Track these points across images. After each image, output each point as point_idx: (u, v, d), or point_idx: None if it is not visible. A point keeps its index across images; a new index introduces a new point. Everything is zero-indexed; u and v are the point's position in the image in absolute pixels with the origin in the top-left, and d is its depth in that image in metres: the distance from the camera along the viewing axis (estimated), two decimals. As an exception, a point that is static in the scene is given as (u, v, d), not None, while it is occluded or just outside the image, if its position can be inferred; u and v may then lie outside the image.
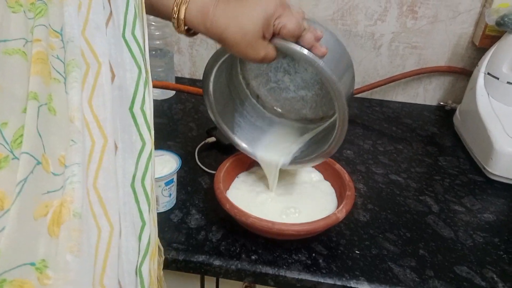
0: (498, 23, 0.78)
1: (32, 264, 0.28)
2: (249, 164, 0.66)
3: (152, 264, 0.37)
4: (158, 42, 0.89)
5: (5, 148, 0.29)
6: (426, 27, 0.90)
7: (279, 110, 0.65)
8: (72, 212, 0.30)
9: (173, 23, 0.47)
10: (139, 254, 0.35)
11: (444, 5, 0.88)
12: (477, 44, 0.88)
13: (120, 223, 0.34)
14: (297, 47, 0.46)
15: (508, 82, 0.76)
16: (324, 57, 0.47)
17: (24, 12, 0.32)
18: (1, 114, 0.30)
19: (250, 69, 0.63)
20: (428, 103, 0.99)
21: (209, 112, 0.61)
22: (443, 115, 0.94)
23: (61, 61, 0.33)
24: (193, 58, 1.00)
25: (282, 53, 0.52)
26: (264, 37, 0.45)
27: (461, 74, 0.92)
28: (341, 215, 0.55)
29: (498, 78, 0.77)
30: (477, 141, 0.77)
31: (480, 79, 0.80)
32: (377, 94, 0.99)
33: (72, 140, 0.31)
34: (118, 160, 0.35)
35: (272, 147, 0.62)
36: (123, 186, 0.36)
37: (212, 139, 0.77)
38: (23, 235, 0.28)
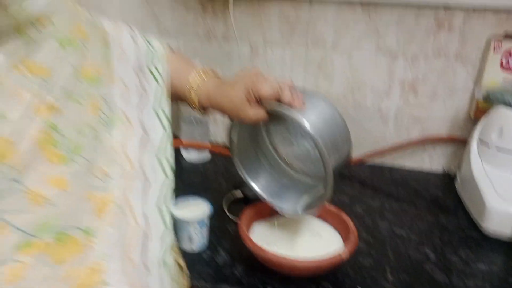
0: (485, 99, 0.91)
1: (80, 228, 0.41)
2: (269, 212, 0.78)
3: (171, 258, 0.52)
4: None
5: (67, 153, 0.43)
6: (426, 102, 1.04)
7: (298, 166, 0.78)
8: (114, 204, 0.44)
9: (190, 104, 0.65)
10: (161, 248, 0.50)
11: (442, 84, 1.02)
12: (472, 116, 1.00)
13: (145, 226, 0.48)
14: (276, 104, 0.59)
15: (497, 148, 0.87)
16: (310, 115, 0.59)
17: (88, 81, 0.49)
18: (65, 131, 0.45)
19: (275, 135, 0.76)
20: (433, 169, 1.09)
21: (238, 169, 0.75)
22: (447, 180, 1.04)
23: (106, 115, 0.49)
24: (225, 126, 1.16)
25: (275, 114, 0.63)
26: (250, 103, 0.59)
27: (461, 142, 1.03)
28: (345, 255, 0.65)
29: (488, 145, 0.88)
30: (473, 201, 0.87)
31: (474, 146, 0.91)
32: (386, 160, 1.11)
33: (115, 161, 0.46)
34: (146, 186, 0.50)
35: (289, 198, 0.74)
36: (151, 204, 0.50)
37: (239, 192, 0.90)
38: (73, 209, 0.41)
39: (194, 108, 0.66)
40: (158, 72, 0.60)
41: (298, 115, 0.59)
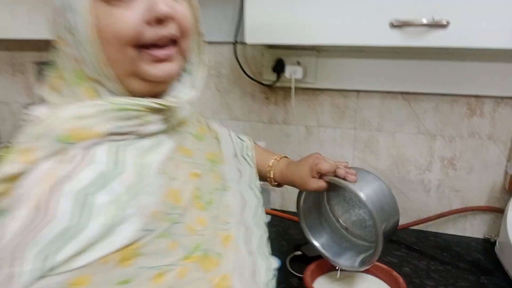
0: (516, 173, 1.04)
1: (214, 251, 0.59)
2: (328, 268, 0.92)
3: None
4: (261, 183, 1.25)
5: (206, 204, 0.61)
6: (464, 176, 1.18)
7: (354, 231, 0.93)
8: (233, 240, 0.63)
9: (268, 181, 0.87)
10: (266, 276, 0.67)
11: (477, 160, 1.16)
12: (506, 188, 1.13)
13: (252, 259, 0.65)
14: (332, 176, 0.78)
15: (530, 217, 0.98)
16: (362, 186, 0.76)
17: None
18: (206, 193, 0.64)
19: (334, 204, 0.93)
20: (475, 236, 1.20)
21: (303, 230, 0.91)
22: (489, 246, 1.15)
23: (223, 184, 0.69)
24: (283, 194, 1.34)
25: (335, 186, 0.81)
26: (313, 177, 0.79)
27: (499, 211, 1.14)
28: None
29: (522, 214, 1.00)
30: (511, 263, 0.97)
31: (510, 215, 1.03)
32: (431, 227, 1.23)
33: (230, 214, 0.65)
34: (249, 233, 0.69)
35: (347, 257, 0.89)
36: (254, 245, 0.69)
37: (299, 252, 1.05)
38: (211, 239, 0.60)
39: (271, 182, 0.87)
40: (250, 158, 0.82)
41: (352, 185, 0.76)
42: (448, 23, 0.84)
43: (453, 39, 0.85)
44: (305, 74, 1.19)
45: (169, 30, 0.55)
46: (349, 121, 1.24)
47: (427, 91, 1.15)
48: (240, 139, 0.86)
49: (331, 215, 0.95)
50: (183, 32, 0.57)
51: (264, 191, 1.26)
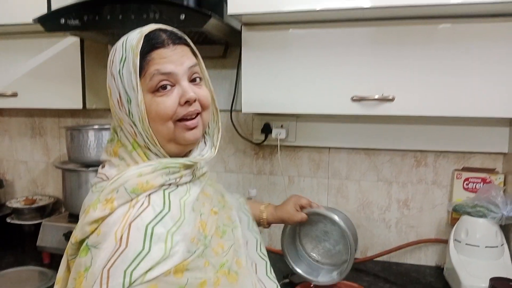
0: (454, 210, 1.34)
1: (234, 271, 0.80)
2: (312, 288, 1.17)
3: None
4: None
5: (222, 234, 0.85)
6: (417, 214, 1.46)
7: (324, 261, 1.20)
8: (244, 266, 0.84)
9: (261, 222, 1.11)
10: None
11: (426, 201, 1.46)
12: (449, 223, 1.41)
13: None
14: (309, 209, 1.08)
15: (466, 243, 1.26)
16: (332, 212, 1.07)
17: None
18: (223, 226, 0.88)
19: (307, 245, 1.21)
20: (428, 264, 1.47)
21: (287, 261, 1.17)
22: (439, 271, 1.41)
23: (233, 223, 0.92)
24: (270, 235, 1.58)
25: (312, 216, 1.11)
26: (297, 211, 1.08)
27: (444, 242, 1.42)
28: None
29: (460, 242, 1.28)
30: (455, 282, 1.24)
31: (451, 244, 1.31)
32: (393, 258, 1.50)
33: (240, 245, 0.88)
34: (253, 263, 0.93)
35: (323, 274, 1.16)
36: (261, 273, 0.92)
37: (287, 280, 1.29)
38: (230, 260, 0.80)
39: (264, 223, 1.12)
40: (247, 210, 1.05)
41: (326, 211, 1.08)
42: (394, 98, 1.15)
43: (398, 109, 1.16)
44: (287, 134, 1.49)
45: (195, 107, 0.80)
46: (323, 172, 1.53)
47: (383, 147, 1.46)
48: (235, 197, 1.08)
49: (303, 252, 1.23)
50: (204, 107, 0.83)
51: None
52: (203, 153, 0.87)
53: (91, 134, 1.41)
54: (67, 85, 1.45)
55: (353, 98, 1.17)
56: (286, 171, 1.56)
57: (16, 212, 1.62)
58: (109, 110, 1.61)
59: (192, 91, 0.78)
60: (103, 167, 0.83)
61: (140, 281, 0.65)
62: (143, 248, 0.67)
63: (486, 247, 1.24)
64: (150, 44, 0.76)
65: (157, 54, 0.76)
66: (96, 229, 0.70)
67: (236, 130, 1.55)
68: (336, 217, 1.08)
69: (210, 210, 0.86)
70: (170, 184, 0.77)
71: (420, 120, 1.41)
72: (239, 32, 1.25)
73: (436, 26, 1.11)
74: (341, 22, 1.17)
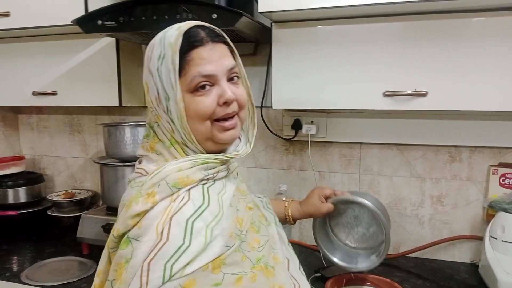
0: (490, 206, 1.31)
1: (270, 265, 0.82)
2: (342, 283, 1.17)
3: None
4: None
5: (257, 229, 0.87)
6: (451, 211, 1.44)
7: (361, 246, 1.19)
8: (280, 261, 0.86)
9: (288, 220, 1.12)
10: None
11: (460, 197, 1.43)
12: (484, 219, 1.39)
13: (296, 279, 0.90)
14: (335, 197, 1.08)
15: (502, 240, 1.23)
16: (364, 197, 1.07)
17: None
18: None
19: (340, 234, 1.20)
20: (463, 261, 1.45)
21: (326, 256, 1.18)
22: (473, 267, 1.39)
23: (266, 219, 0.95)
24: (301, 230, 1.59)
25: (339, 204, 1.12)
26: (322, 202, 1.08)
27: (480, 239, 1.39)
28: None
29: (496, 238, 1.25)
30: (490, 279, 1.22)
31: (487, 241, 1.29)
32: (426, 254, 1.48)
33: (275, 241, 0.90)
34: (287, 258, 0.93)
35: (361, 260, 1.16)
36: (294, 268, 0.93)
37: (318, 274, 1.29)
38: (266, 255, 0.82)
39: (289, 220, 1.13)
40: (271, 209, 1.05)
41: (352, 196, 1.08)
42: (426, 92, 1.14)
43: (431, 104, 1.15)
44: (317, 130, 1.49)
45: (233, 108, 0.82)
46: (355, 167, 1.53)
47: (416, 142, 1.44)
48: (259, 197, 1.09)
49: (338, 242, 1.21)
50: (241, 107, 0.84)
51: (285, 227, 1.52)
52: (238, 149, 0.88)
53: (127, 131, 1.45)
54: (103, 84, 1.51)
55: (385, 93, 1.17)
56: (316, 167, 1.57)
57: (56, 205, 1.70)
58: (144, 107, 1.68)
59: (230, 91, 0.79)
60: (140, 162, 0.86)
61: (179, 274, 0.66)
62: (183, 242, 0.68)
63: (523, 244, 1.21)
64: (189, 42, 0.76)
65: (197, 53, 0.76)
66: (137, 222, 0.72)
67: (267, 126, 1.57)
68: (363, 200, 1.08)
69: (245, 206, 0.87)
70: (208, 179, 0.79)
71: (454, 115, 1.38)
72: (269, 30, 1.26)
73: (469, 19, 1.09)
74: (371, 18, 1.16)
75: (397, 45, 1.15)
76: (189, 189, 0.75)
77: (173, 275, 0.66)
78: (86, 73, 1.52)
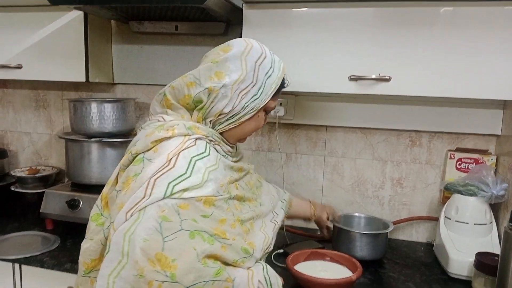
0: (446, 188, 1.38)
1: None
2: (303, 258, 1.21)
3: None
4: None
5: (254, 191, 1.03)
6: (410, 193, 1.51)
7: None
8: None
9: (310, 217, 1.28)
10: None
11: (419, 180, 1.49)
12: (441, 201, 1.46)
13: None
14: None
15: (456, 221, 1.30)
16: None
17: None
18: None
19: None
20: (419, 240, 1.52)
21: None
22: (429, 247, 1.46)
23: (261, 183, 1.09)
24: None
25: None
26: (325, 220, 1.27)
27: (435, 220, 1.47)
28: (355, 277, 1.07)
29: (450, 219, 1.32)
30: (443, 256, 1.29)
31: (442, 220, 1.35)
32: (385, 235, 1.54)
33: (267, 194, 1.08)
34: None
35: None
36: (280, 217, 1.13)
37: (281, 250, 1.33)
38: (267, 209, 1.07)
39: (312, 216, 1.33)
40: (285, 201, 1.23)
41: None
42: (390, 78, 1.18)
43: (394, 89, 1.19)
44: (286, 112, 1.52)
45: None
46: (320, 150, 1.57)
47: (379, 126, 1.49)
48: (278, 190, 1.29)
49: None
50: None
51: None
52: None
53: (94, 106, 1.44)
54: (70, 59, 1.48)
55: (351, 77, 1.20)
56: (283, 148, 1.60)
57: (20, 181, 1.66)
58: (110, 84, 1.66)
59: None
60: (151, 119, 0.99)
61: (178, 195, 0.80)
62: (185, 172, 0.83)
63: (475, 224, 1.28)
64: (282, 85, 1.04)
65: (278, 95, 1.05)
66: (154, 146, 0.87)
67: (236, 106, 1.59)
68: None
69: (255, 177, 1.13)
70: (212, 141, 0.95)
71: (416, 100, 1.44)
72: (241, 10, 1.27)
73: (438, 8, 1.13)
74: (340, 2, 1.19)
75: (365, 31, 1.19)
76: (196, 139, 0.90)
77: (173, 193, 0.80)
78: (52, 47, 1.49)
